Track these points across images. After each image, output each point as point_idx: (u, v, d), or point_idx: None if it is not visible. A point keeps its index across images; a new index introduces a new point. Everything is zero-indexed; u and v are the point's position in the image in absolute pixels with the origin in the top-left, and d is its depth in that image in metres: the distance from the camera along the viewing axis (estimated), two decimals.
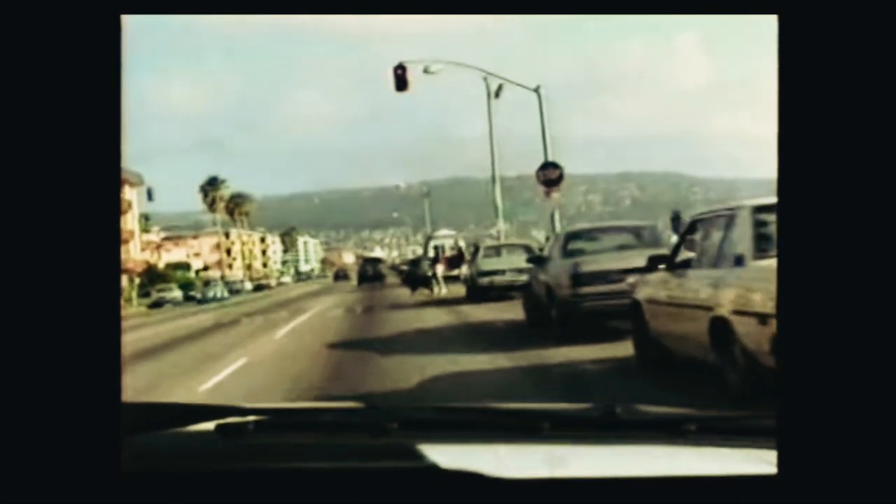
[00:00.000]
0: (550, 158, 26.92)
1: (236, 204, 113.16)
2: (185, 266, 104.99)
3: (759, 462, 1.26)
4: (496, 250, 27.44)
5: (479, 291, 24.70)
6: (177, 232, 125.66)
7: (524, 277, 17.63)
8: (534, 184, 26.85)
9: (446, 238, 43.22)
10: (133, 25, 1.19)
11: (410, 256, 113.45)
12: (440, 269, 35.91)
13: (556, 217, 26.61)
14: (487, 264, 25.18)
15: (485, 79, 32.50)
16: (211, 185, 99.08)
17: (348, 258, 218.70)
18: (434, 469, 1.31)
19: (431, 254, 42.45)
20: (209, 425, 1.65)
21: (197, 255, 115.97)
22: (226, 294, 63.68)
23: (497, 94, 33.14)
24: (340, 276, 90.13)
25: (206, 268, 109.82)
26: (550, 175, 26.40)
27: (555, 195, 26.39)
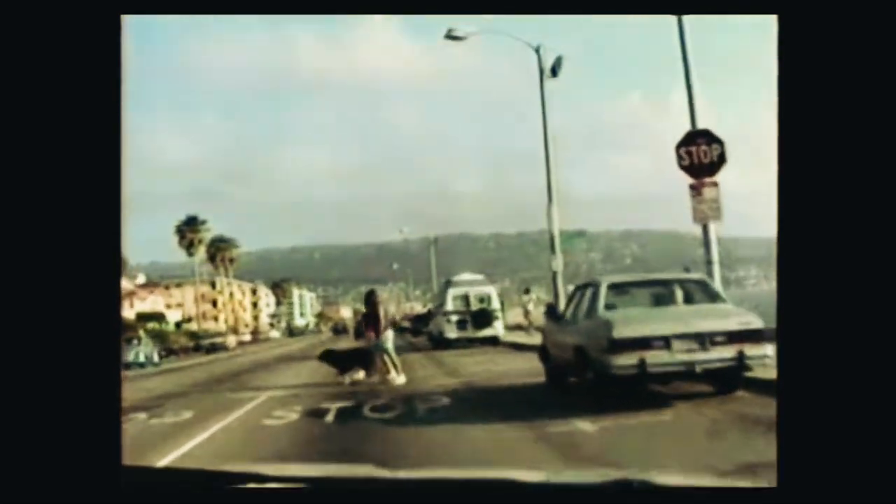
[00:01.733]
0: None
1: (218, 248, 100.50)
2: (159, 317, 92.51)
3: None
4: (631, 290, 11.92)
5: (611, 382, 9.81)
6: (162, 281, 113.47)
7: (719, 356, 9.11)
8: (535, 239, 18.55)
9: (472, 284, 30.44)
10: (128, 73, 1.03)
11: (409, 312, 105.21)
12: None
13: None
14: (634, 321, 9.86)
15: (537, 50, 24.52)
16: (188, 226, 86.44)
17: (346, 313, 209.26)
18: None
19: (451, 306, 29.69)
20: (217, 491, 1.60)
21: (179, 305, 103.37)
22: (155, 359, 42.98)
23: (555, 72, 24.31)
24: (339, 329, 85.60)
25: (188, 319, 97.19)
26: (702, 152, 13.53)
27: (709, 193, 13.66)
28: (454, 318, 29.57)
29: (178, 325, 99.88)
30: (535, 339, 28.54)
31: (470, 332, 29.56)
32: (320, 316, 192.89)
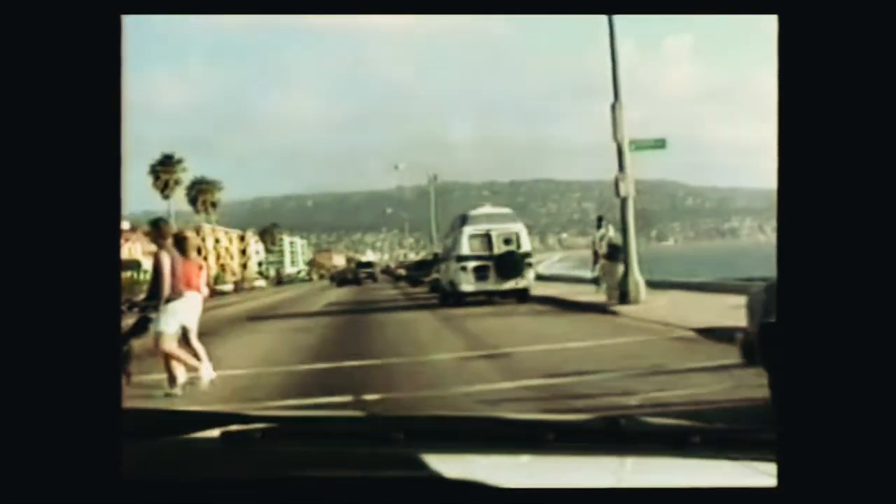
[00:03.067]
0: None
1: (199, 191, 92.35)
2: (133, 265, 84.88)
3: (762, 475, 1.28)
4: None
5: None
6: (141, 227, 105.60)
7: None
8: (526, 190, 14.84)
9: (495, 220, 22.77)
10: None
11: (404, 259, 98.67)
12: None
13: None
14: None
15: None
16: (163, 166, 77.94)
17: (339, 260, 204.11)
18: (439, 479, 1.30)
19: (466, 249, 22.08)
20: (213, 433, 1.64)
21: None
22: None
23: None
24: (348, 279, 68.68)
25: None
26: None
27: None
28: (471, 264, 22.08)
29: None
30: (586, 292, 21.59)
31: (492, 284, 22.12)
32: (312, 263, 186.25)
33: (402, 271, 61.28)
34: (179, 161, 79.85)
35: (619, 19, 17.77)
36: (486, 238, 22.26)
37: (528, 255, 22.38)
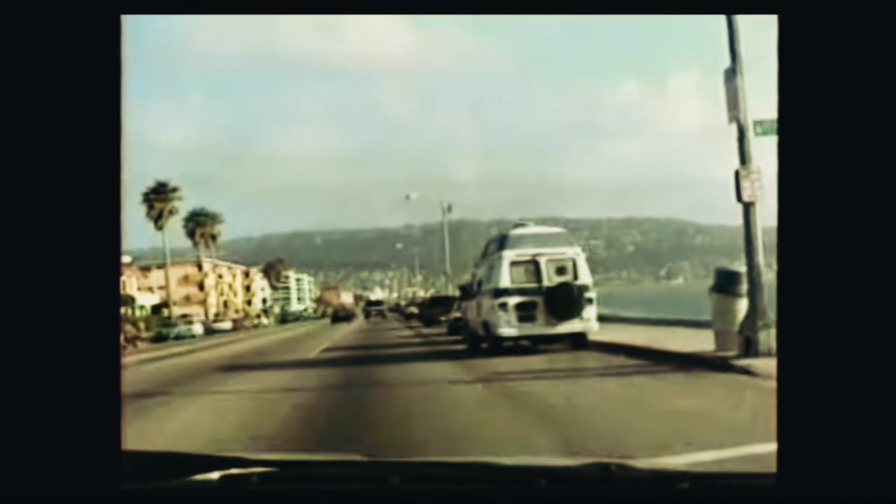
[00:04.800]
0: None
1: (197, 223, 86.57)
2: (129, 300, 79.39)
3: None
4: None
5: None
6: (135, 261, 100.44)
7: None
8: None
9: (545, 242, 17.06)
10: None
11: (413, 296, 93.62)
12: None
13: None
14: None
15: None
16: (156, 194, 72.13)
17: (347, 298, 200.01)
18: None
19: (507, 280, 16.45)
20: (212, 475, 1.62)
21: (162, 288, 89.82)
22: None
23: None
24: (340, 317, 76.24)
25: (164, 304, 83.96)
26: None
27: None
28: (514, 300, 16.38)
29: (155, 308, 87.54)
30: (667, 337, 15.41)
31: (541, 326, 16.41)
32: (319, 301, 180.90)
33: (413, 309, 55.65)
34: (175, 189, 73.98)
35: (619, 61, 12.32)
36: (534, 266, 16.59)
37: (586, 287, 16.71)
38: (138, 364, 23.90)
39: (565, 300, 16.15)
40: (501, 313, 16.27)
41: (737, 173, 11.95)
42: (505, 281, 16.43)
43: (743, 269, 12.70)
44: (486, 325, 17.04)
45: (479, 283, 18.45)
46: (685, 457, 1.87)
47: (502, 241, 17.22)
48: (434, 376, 13.21)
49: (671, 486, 1.52)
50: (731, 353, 11.91)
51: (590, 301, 16.50)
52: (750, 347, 11.42)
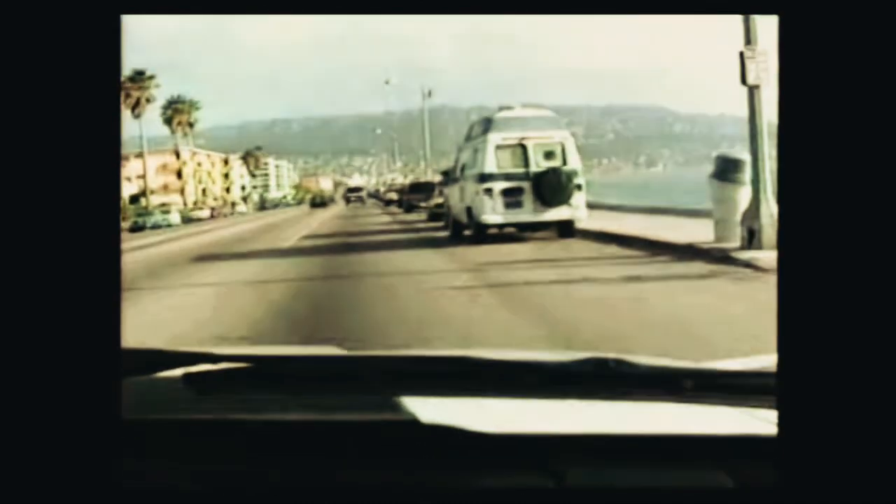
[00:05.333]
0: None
1: (175, 111, 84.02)
2: None
3: (758, 421, 1.24)
4: None
5: None
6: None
7: None
8: None
9: (532, 126, 16.07)
10: None
11: (392, 182, 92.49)
12: None
13: None
14: None
15: None
16: (133, 82, 69.44)
17: (326, 184, 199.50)
18: (414, 423, 1.22)
19: (492, 165, 15.53)
20: (177, 373, 1.56)
21: (140, 177, 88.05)
22: None
23: None
24: (317, 203, 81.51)
25: (141, 193, 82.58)
26: None
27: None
28: (499, 185, 15.44)
29: (133, 199, 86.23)
30: (665, 226, 14.97)
31: (528, 213, 15.55)
32: (298, 188, 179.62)
33: (392, 195, 54.54)
34: (151, 77, 71.17)
35: None
36: (521, 150, 15.61)
37: (575, 173, 15.80)
38: None
39: (553, 186, 15.29)
40: (486, 199, 15.40)
41: (741, 55, 10.89)
42: (490, 165, 15.48)
43: (744, 155, 11.84)
44: (470, 212, 16.18)
45: (463, 168, 17.46)
46: (687, 362, 1.46)
47: (487, 124, 16.16)
48: (416, 266, 12.41)
49: (674, 384, 1.45)
50: (732, 245, 11.16)
51: (579, 187, 15.64)
52: (753, 239, 10.66)
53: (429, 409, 1.29)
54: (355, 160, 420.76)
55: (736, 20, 11.45)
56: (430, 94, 53.22)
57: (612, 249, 13.15)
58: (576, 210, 15.61)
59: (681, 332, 6.18)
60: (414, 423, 1.23)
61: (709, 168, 13.15)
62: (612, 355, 1.53)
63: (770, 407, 1.21)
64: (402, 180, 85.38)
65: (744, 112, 11.22)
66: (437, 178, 37.29)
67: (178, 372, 1.55)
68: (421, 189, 37.56)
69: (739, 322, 6.35)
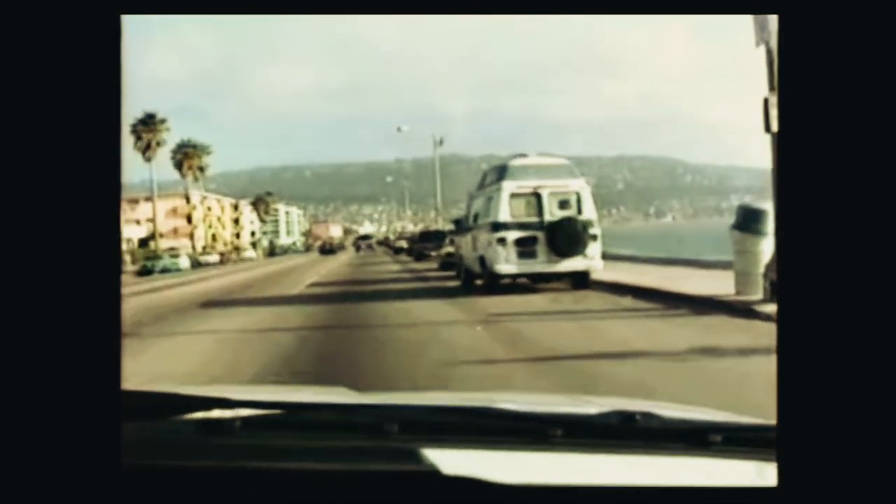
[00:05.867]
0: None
1: (185, 155, 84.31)
2: None
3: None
4: None
5: None
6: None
7: None
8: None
9: (548, 174, 15.76)
10: None
11: (402, 230, 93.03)
12: None
13: None
14: None
15: None
16: (144, 125, 69.89)
17: (336, 231, 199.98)
18: (435, 474, 1.21)
19: (506, 214, 15.29)
20: (191, 418, 1.56)
21: (150, 220, 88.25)
22: None
23: None
24: (327, 250, 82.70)
25: (151, 237, 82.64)
26: None
27: None
28: (513, 235, 15.17)
29: (143, 242, 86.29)
30: (680, 276, 14.92)
31: (542, 264, 15.24)
32: (308, 234, 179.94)
33: (402, 243, 54.33)
34: (163, 121, 71.48)
35: None
36: (535, 198, 15.35)
37: (591, 223, 15.50)
38: None
39: (568, 236, 15.00)
40: (500, 249, 15.10)
41: (765, 101, 10.58)
42: (504, 214, 15.21)
43: (767, 206, 11.53)
44: (483, 261, 15.88)
45: (476, 217, 17.19)
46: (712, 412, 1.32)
47: (502, 172, 15.91)
48: (428, 316, 12.08)
49: (702, 438, 1.42)
50: (754, 298, 10.83)
51: (594, 237, 15.33)
52: (776, 292, 10.31)
53: (450, 461, 1.26)
54: (365, 208, 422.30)
55: (753, 68, 11.19)
56: (441, 141, 53.18)
57: (628, 301, 12.79)
58: (591, 261, 15.28)
59: (703, 392, 5.82)
60: (434, 475, 1.20)
61: (718, 220, 12.91)
62: (638, 408, 1.51)
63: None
64: (412, 228, 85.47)
65: (753, 163, 10.95)
66: (448, 227, 37.11)
67: (183, 416, 1.52)
68: (431, 237, 37.31)
69: (761, 379, 5.97)
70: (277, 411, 1.66)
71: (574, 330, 9.76)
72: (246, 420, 1.52)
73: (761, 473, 1.28)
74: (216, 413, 1.54)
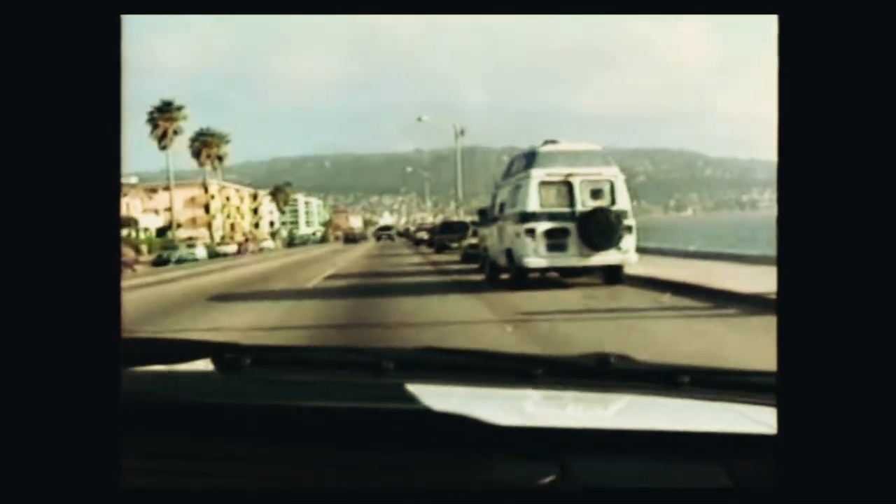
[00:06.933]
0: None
1: (203, 143, 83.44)
2: (132, 222, 77.38)
3: (752, 419, 1.29)
4: None
5: None
6: (140, 183, 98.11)
7: None
8: None
9: (578, 161, 14.74)
10: None
11: (422, 222, 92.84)
12: None
13: None
14: None
15: None
16: (161, 113, 69.06)
17: (356, 222, 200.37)
18: (428, 411, 1.28)
19: (534, 203, 14.28)
20: (205, 361, 1.66)
21: (168, 210, 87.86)
22: None
23: None
24: (350, 239, 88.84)
25: (169, 226, 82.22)
26: None
27: None
28: (542, 226, 14.17)
29: (160, 231, 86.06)
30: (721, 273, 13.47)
31: (573, 257, 14.22)
32: (328, 225, 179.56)
33: (423, 234, 53.28)
34: (180, 108, 70.58)
35: None
36: (566, 187, 14.33)
37: (625, 213, 14.48)
38: (124, 291, 21.83)
39: (602, 227, 13.98)
40: (528, 241, 14.10)
41: None
42: (533, 204, 14.20)
43: None
44: (510, 254, 14.89)
45: (502, 207, 16.15)
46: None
47: (531, 159, 14.87)
48: (453, 314, 11.12)
49: (672, 380, 1.52)
50: None
51: (629, 229, 14.30)
52: None
53: (442, 398, 1.36)
54: (385, 199, 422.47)
55: (773, 60, 10.19)
56: (462, 132, 52.13)
57: (669, 299, 11.78)
58: (625, 254, 14.27)
59: None
60: (424, 412, 1.27)
61: (738, 213, 11.91)
62: (614, 352, 1.63)
63: (764, 404, 1.28)
64: (432, 220, 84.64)
65: (774, 156, 9.94)
66: (469, 219, 36.10)
67: (206, 361, 1.64)
68: (453, 229, 36.23)
69: None
70: (272, 352, 1.86)
71: (617, 331, 8.80)
72: (254, 359, 1.65)
73: (730, 415, 1.36)
74: (227, 356, 1.66)
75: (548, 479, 1.11)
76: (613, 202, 14.36)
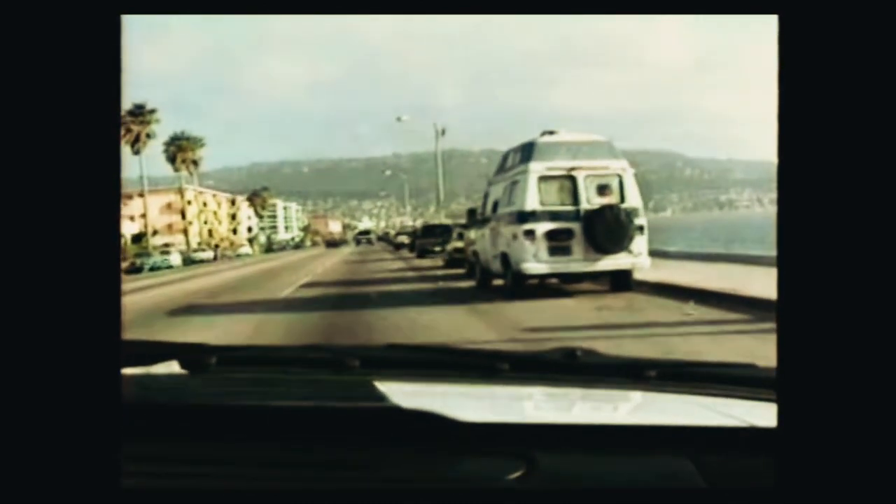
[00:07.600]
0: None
1: (179, 147, 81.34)
2: None
3: (719, 412, 1.29)
4: None
5: None
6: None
7: None
8: None
9: (582, 153, 13.09)
10: None
11: (402, 227, 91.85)
12: None
13: None
14: None
15: None
16: (133, 116, 66.96)
17: (335, 227, 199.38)
18: (394, 408, 1.29)
19: (534, 202, 12.60)
20: (173, 363, 1.66)
21: (143, 216, 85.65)
22: None
23: None
24: (331, 244, 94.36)
25: (143, 234, 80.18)
26: None
27: None
28: (543, 227, 12.52)
29: (136, 238, 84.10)
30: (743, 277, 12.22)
31: (578, 261, 12.58)
32: (307, 230, 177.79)
33: (404, 238, 51.63)
34: (153, 111, 68.79)
35: None
36: (570, 182, 12.71)
37: (636, 212, 12.88)
38: None
39: (610, 228, 12.38)
40: (527, 244, 12.46)
41: None
42: (532, 202, 12.57)
43: None
44: (506, 259, 13.25)
45: (495, 206, 14.47)
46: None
47: (528, 151, 13.20)
48: (445, 331, 9.47)
49: (638, 373, 1.53)
50: None
51: (640, 229, 12.72)
52: None
53: (408, 395, 1.36)
54: (365, 203, 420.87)
55: (751, 61, 8.71)
56: (443, 132, 50.51)
57: (694, 309, 10.15)
58: (637, 258, 12.69)
59: None
60: (391, 409, 1.28)
61: (717, 213, 10.35)
62: (579, 346, 1.63)
63: (733, 397, 1.33)
64: (411, 223, 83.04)
65: (752, 156, 8.56)
66: (450, 221, 34.59)
67: (170, 363, 1.63)
68: (435, 232, 34.49)
69: None
70: (250, 352, 1.88)
71: (649, 354, 7.13)
72: (220, 359, 1.65)
73: (696, 408, 1.35)
74: (195, 357, 1.65)
75: (515, 475, 1.11)
76: (623, 199, 12.76)
